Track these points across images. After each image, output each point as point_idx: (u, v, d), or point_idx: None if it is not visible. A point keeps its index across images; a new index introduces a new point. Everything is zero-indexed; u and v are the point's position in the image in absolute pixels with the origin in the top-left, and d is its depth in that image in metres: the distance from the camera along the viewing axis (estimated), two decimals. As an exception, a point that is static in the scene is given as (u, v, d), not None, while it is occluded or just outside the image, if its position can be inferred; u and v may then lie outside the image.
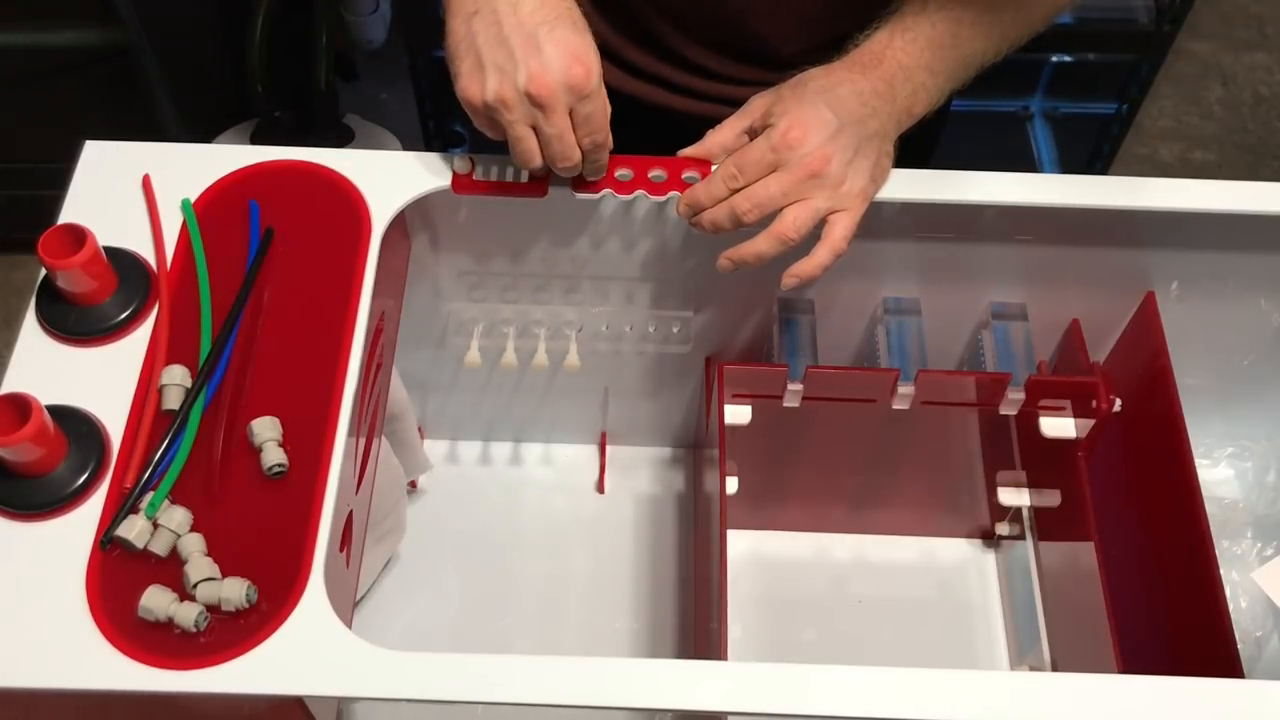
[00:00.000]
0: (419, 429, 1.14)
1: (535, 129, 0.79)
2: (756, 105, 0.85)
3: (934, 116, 0.87)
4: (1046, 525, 1.05)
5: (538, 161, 0.80)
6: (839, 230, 0.82)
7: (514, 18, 0.77)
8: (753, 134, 0.84)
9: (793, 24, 0.94)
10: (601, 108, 0.80)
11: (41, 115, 1.63)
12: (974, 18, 0.83)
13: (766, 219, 0.81)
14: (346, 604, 0.80)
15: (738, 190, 0.81)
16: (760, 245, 0.82)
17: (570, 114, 0.78)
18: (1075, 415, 0.97)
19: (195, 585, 0.69)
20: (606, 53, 1.00)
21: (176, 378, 0.76)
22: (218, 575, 0.70)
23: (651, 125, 0.97)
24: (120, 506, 0.72)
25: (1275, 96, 2.18)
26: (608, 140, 0.82)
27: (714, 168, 0.85)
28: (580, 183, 0.88)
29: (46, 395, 0.74)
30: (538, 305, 1.00)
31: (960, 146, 1.12)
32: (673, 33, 0.97)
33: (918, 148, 0.88)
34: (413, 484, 1.14)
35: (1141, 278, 0.98)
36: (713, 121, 0.87)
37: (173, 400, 0.76)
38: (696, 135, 0.87)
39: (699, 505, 1.14)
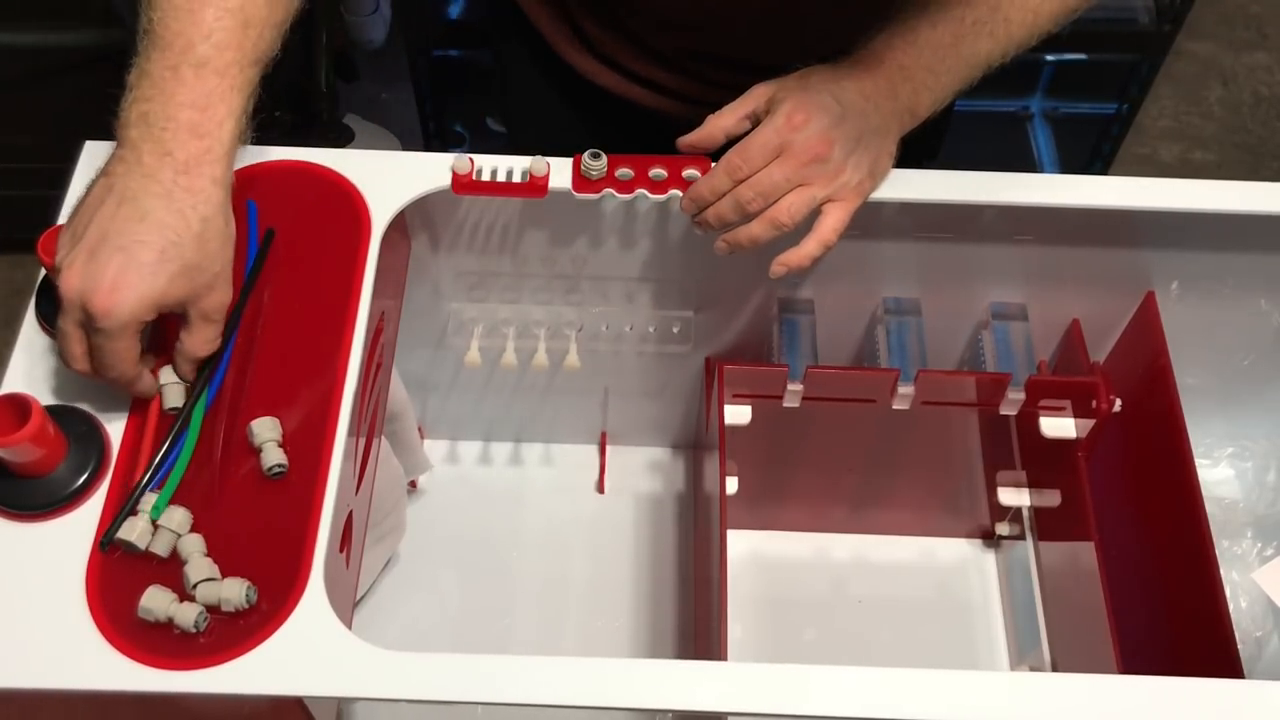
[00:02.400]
0: (419, 429, 1.14)
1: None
2: (759, 92, 0.85)
3: (937, 118, 0.87)
4: (1046, 525, 1.05)
5: (74, 363, 0.72)
6: (830, 222, 0.82)
7: (115, 211, 0.71)
8: (754, 120, 0.84)
9: (779, 36, 0.94)
10: (115, 350, 0.71)
11: (41, 115, 1.63)
12: (977, 17, 0.83)
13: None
14: (346, 604, 0.80)
15: (741, 181, 0.81)
16: (755, 229, 0.82)
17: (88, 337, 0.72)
18: (1075, 415, 0.97)
19: (195, 585, 0.69)
20: (601, 56, 1.01)
21: (176, 377, 0.76)
22: (218, 575, 0.70)
23: (647, 129, 0.97)
24: (121, 507, 0.72)
25: (1275, 96, 2.18)
26: (122, 379, 0.73)
27: (713, 164, 0.85)
28: (580, 183, 0.88)
29: (46, 395, 0.74)
30: (538, 305, 1.00)
31: (960, 146, 1.12)
32: (666, 40, 0.97)
33: (922, 149, 0.88)
34: (413, 484, 1.14)
35: (1141, 278, 0.98)
36: None
37: (174, 398, 0.76)
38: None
39: (699, 505, 1.14)
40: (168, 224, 0.71)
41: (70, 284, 0.70)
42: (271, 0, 0.76)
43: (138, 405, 0.76)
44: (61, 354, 0.73)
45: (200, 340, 0.75)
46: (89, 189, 0.73)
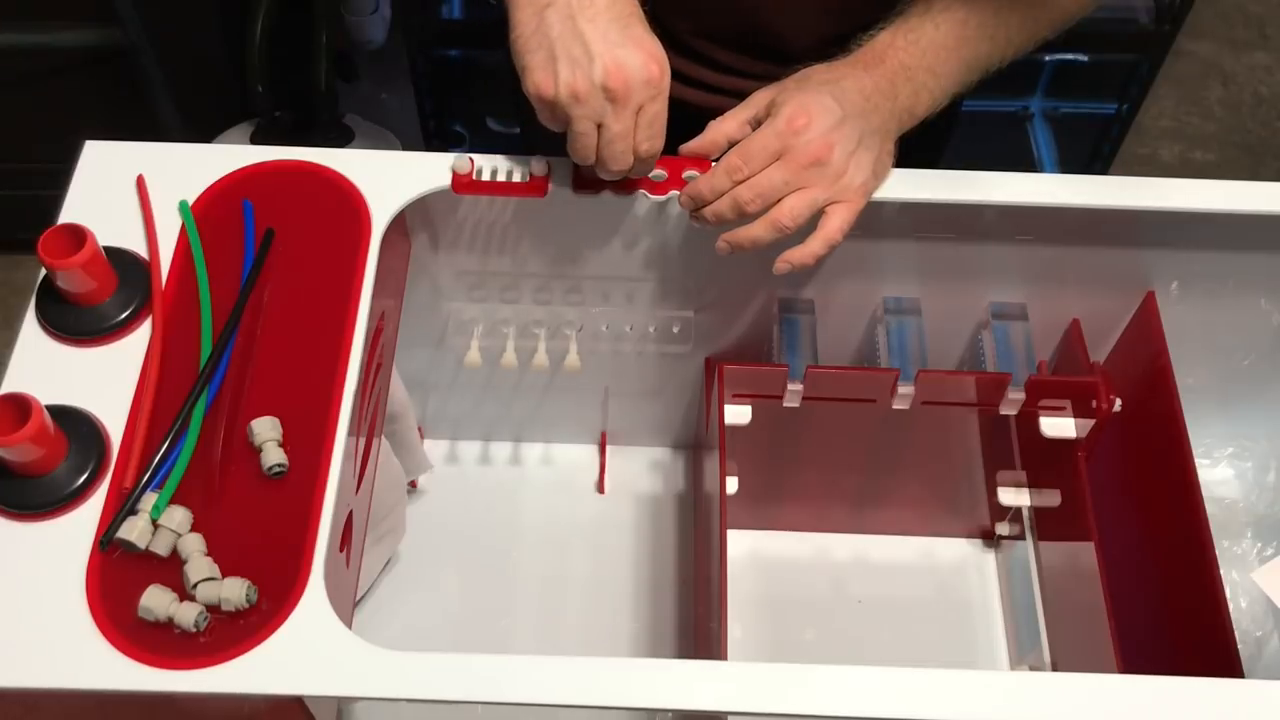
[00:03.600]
0: (419, 429, 1.14)
1: (599, 126, 0.79)
2: (760, 98, 0.85)
3: (942, 119, 0.87)
4: (1046, 525, 1.05)
5: (591, 156, 0.80)
6: (835, 222, 0.82)
7: (589, 11, 0.77)
8: (756, 125, 0.84)
9: (806, 18, 0.93)
10: (665, 111, 0.80)
11: (41, 115, 1.63)
12: (979, 20, 0.83)
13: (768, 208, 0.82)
14: (346, 604, 0.80)
15: (740, 182, 0.81)
16: (756, 231, 0.82)
17: (636, 114, 0.79)
18: (1075, 415, 0.97)
19: (195, 585, 0.69)
20: None
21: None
22: (218, 575, 0.70)
23: (679, 125, 0.97)
24: (120, 507, 0.72)
25: (1275, 96, 2.18)
26: (662, 144, 0.82)
27: (714, 162, 0.85)
28: (580, 183, 0.88)
29: (46, 395, 0.74)
30: (538, 305, 1.00)
31: (960, 146, 1.12)
32: (686, 26, 0.97)
33: (925, 149, 0.88)
34: (413, 484, 1.14)
35: (1141, 278, 0.98)
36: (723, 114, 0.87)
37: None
38: (704, 128, 0.87)
39: (699, 505, 1.14)
40: (626, 3, 0.79)
41: (621, 80, 0.76)
42: None
43: (137, 405, 0.76)
44: (578, 152, 0.80)
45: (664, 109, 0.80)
46: (526, 29, 0.78)
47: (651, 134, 0.80)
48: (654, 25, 0.98)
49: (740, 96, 0.87)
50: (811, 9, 0.93)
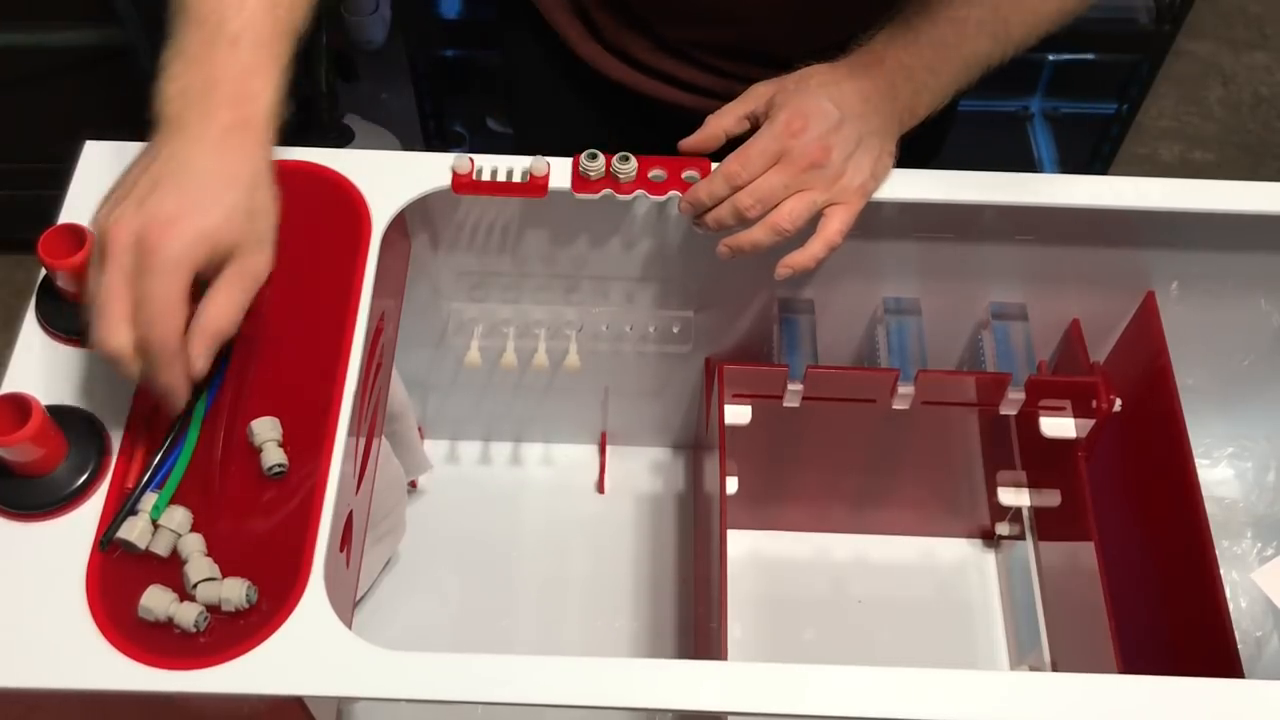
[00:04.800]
0: (419, 429, 1.14)
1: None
2: (759, 92, 0.85)
3: (939, 117, 0.87)
4: (1046, 525, 1.05)
5: (112, 331, 0.67)
6: (834, 224, 0.82)
7: (166, 164, 0.70)
8: (754, 120, 0.84)
9: (794, 28, 0.94)
10: (163, 294, 0.66)
11: (41, 115, 1.63)
12: (978, 18, 0.83)
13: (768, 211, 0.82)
14: (346, 604, 0.80)
15: (739, 188, 0.81)
16: (756, 234, 0.82)
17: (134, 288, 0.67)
18: (1075, 415, 0.97)
19: (195, 585, 0.69)
20: (614, 50, 1.01)
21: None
22: (218, 575, 0.70)
23: (659, 123, 0.97)
24: (120, 507, 0.72)
25: (1275, 96, 2.18)
26: (162, 345, 0.67)
27: (714, 166, 0.85)
28: (580, 183, 0.88)
29: (46, 395, 0.74)
30: (538, 305, 1.00)
31: (960, 146, 1.12)
32: (681, 33, 0.97)
33: (922, 148, 0.88)
34: (413, 484, 1.14)
35: (1141, 278, 0.98)
36: None
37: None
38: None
39: (699, 505, 1.14)
40: (222, 172, 0.70)
41: (122, 229, 0.67)
42: None
43: (138, 405, 0.76)
44: (97, 324, 0.67)
45: (228, 306, 0.69)
46: (131, 165, 0.72)
47: (143, 316, 0.67)
48: (645, 32, 0.98)
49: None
50: (798, 21, 0.93)
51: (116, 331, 0.67)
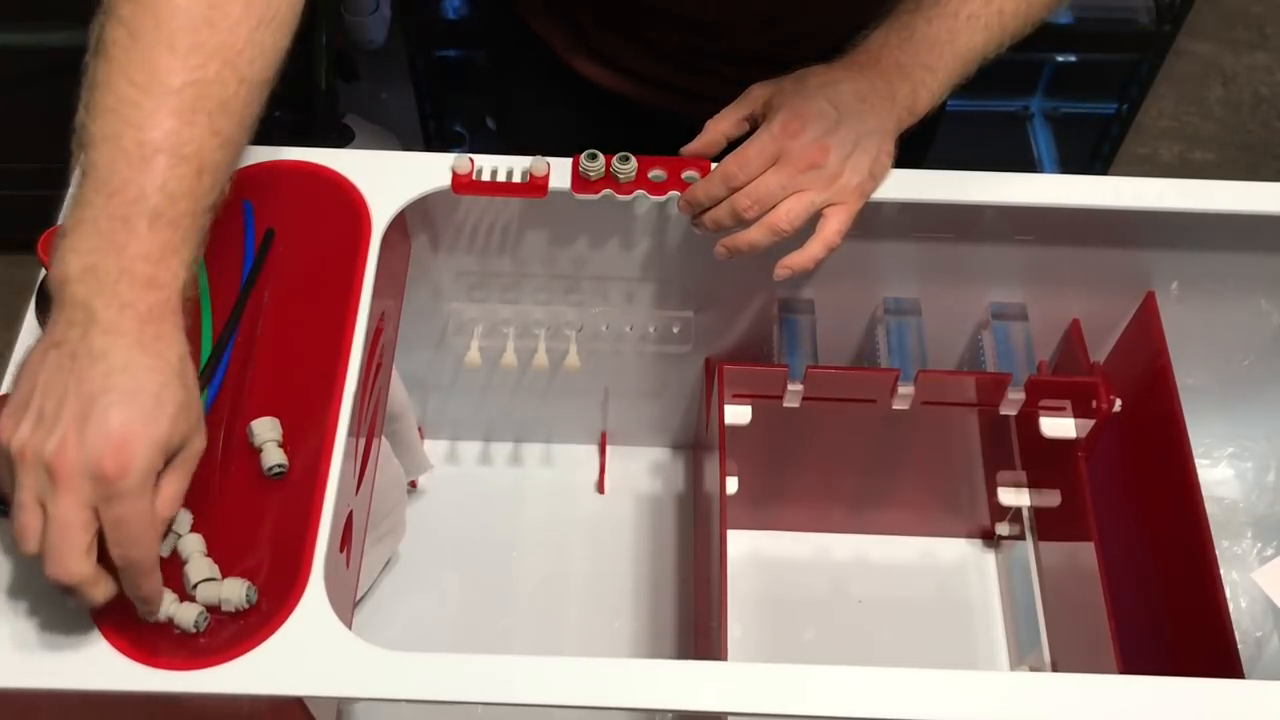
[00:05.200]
0: (419, 429, 1.14)
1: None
2: (756, 94, 0.85)
3: (932, 114, 0.87)
4: (1046, 525, 1.05)
5: (31, 546, 0.63)
6: (833, 224, 0.82)
7: (87, 372, 0.63)
8: (752, 122, 0.84)
9: (782, 34, 0.94)
10: (138, 515, 0.63)
11: (41, 115, 1.62)
12: (970, 12, 0.83)
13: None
14: (346, 604, 0.80)
15: (737, 189, 0.81)
16: (754, 235, 0.82)
17: (95, 511, 0.63)
18: (1075, 415, 0.97)
19: (195, 585, 0.69)
20: (600, 55, 1.01)
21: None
22: (218, 575, 0.70)
23: (646, 126, 0.97)
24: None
25: (1275, 96, 2.18)
26: (145, 561, 0.64)
27: (714, 166, 0.85)
28: (580, 183, 0.88)
29: (46, 395, 0.74)
30: (538, 305, 1.00)
31: (960, 146, 1.12)
32: (669, 38, 0.97)
33: (913, 146, 0.88)
34: (413, 484, 1.14)
35: (1141, 278, 0.98)
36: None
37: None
38: (695, 137, 0.87)
39: (699, 505, 1.14)
40: (152, 367, 0.64)
41: (66, 461, 0.61)
42: (225, 144, 0.69)
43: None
44: (15, 531, 0.63)
45: (178, 493, 0.66)
46: (31, 361, 0.65)
47: (118, 539, 0.63)
48: (638, 42, 0.98)
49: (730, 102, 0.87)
50: (789, 30, 0.93)
51: (80, 563, 0.63)
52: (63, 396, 0.63)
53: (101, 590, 0.64)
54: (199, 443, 0.68)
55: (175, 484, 0.66)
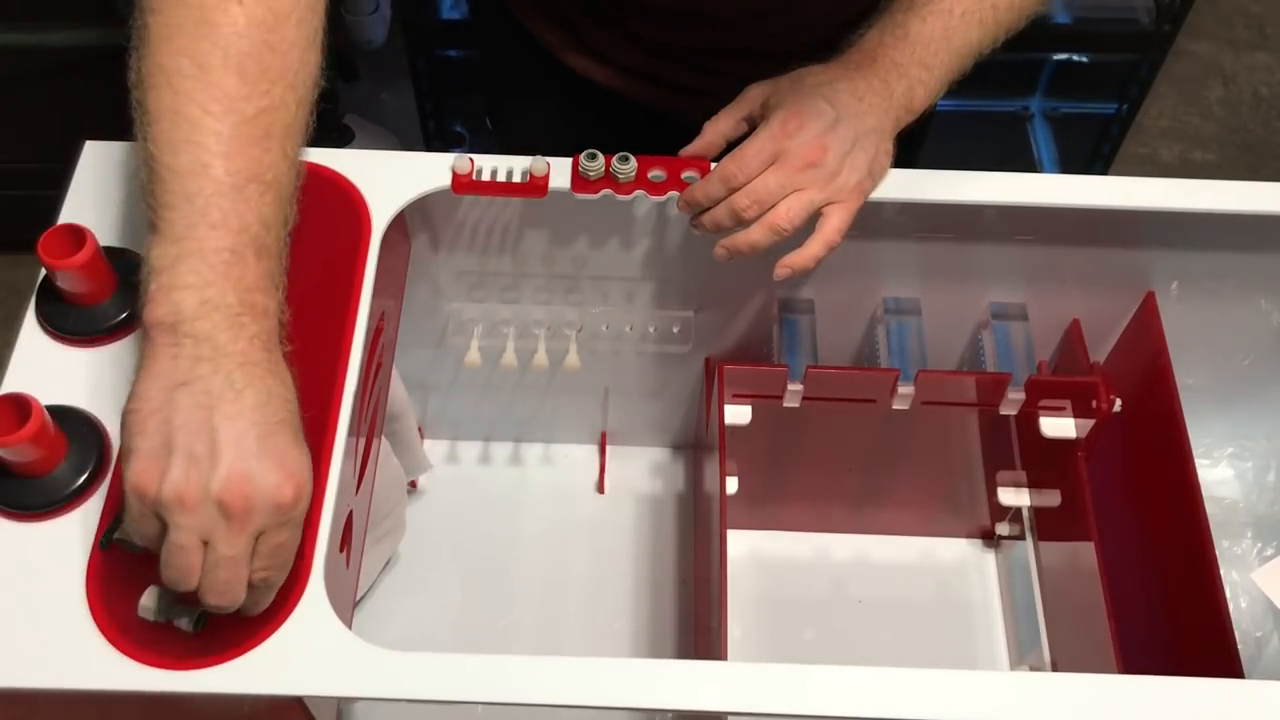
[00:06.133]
0: (419, 429, 1.14)
1: (206, 544, 0.64)
2: (754, 94, 0.85)
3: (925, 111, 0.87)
4: (1046, 525, 1.05)
5: (192, 583, 0.64)
6: (832, 223, 0.82)
7: (232, 407, 0.63)
8: (751, 122, 0.84)
9: (776, 29, 0.94)
10: (294, 542, 0.67)
11: (41, 115, 1.63)
12: (964, 8, 0.84)
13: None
14: (346, 604, 0.80)
15: (735, 189, 0.81)
16: (754, 235, 0.82)
17: (257, 541, 0.65)
18: (1075, 415, 0.97)
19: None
20: (593, 51, 1.01)
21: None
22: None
23: (643, 124, 0.97)
24: (121, 507, 0.72)
25: (1275, 96, 2.18)
26: (283, 578, 0.68)
27: (713, 166, 0.85)
28: (579, 183, 0.88)
29: (46, 395, 0.74)
30: (538, 305, 1.00)
31: (960, 146, 1.12)
32: (661, 34, 0.97)
33: (907, 143, 0.88)
34: (413, 484, 1.14)
35: (1141, 278, 0.98)
36: (709, 116, 0.87)
37: None
38: (692, 135, 0.87)
39: (699, 505, 1.14)
40: (285, 396, 0.66)
41: (242, 496, 0.62)
42: (293, 167, 0.70)
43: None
44: (171, 571, 0.64)
45: (294, 539, 0.67)
46: (147, 406, 0.64)
47: (271, 564, 0.66)
48: (632, 38, 0.98)
49: (728, 99, 0.87)
50: (786, 21, 0.93)
51: (244, 592, 0.65)
52: (212, 434, 0.63)
53: (247, 606, 0.67)
54: None
55: (294, 532, 0.68)
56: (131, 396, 0.65)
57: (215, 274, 0.65)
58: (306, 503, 0.66)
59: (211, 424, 0.63)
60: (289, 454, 0.65)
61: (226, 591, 0.64)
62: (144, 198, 0.68)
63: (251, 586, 0.66)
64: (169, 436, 0.63)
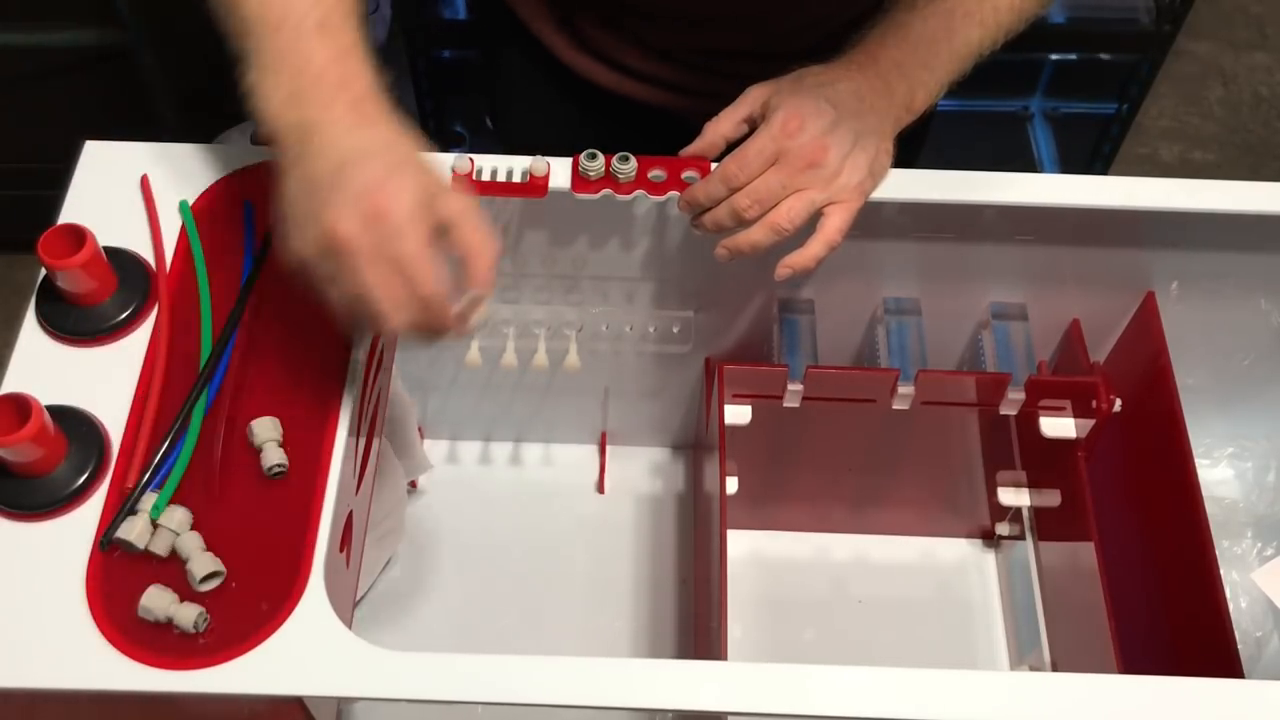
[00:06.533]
0: (419, 429, 1.14)
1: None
2: (754, 95, 0.85)
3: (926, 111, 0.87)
4: (1046, 525, 1.05)
5: (403, 308, 0.68)
6: (833, 223, 0.82)
7: (323, 165, 0.68)
8: (751, 123, 0.84)
9: (778, 30, 0.94)
10: (416, 256, 0.67)
11: (41, 115, 1.63)
12: (965, 9, 0.84)
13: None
14: (346, 604, 0.80)
15: (736, 189, 0.81)
16: (755, 235, 0.82)
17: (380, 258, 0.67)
18: (1075, 415, 0.97)
19: (201, 580, 0.69)
20: (595, 53, 1.01)
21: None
22: (221, 569, 0.70)
23: (643, 124, 0.97)
24: (120, 507, 0.72)
25: (1275, 96, 2.18)
26: (442, 294, 0.68)
27: (713, 166, 0.85)
28: (580, 183, 0.88)
29: (46, 395, 0.74)
30: (538, 305, 1.00)
31: (960, 146, 1.12)
32: (662, 36, 0.97)
33: (908, 143, 0.88)
34: (413, 484, 1.14)
35: (1141, 278, 0.98)
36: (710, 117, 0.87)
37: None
38: (692, 135, 0.87)
39: (699, 505, 1.14)
40: (373, 136, 0.70)
41: (341, 223, 0.65)
42: None
43: (138, 405, 0.76)
44: (421, 286, 0.67)
45: (484, 235, 0.70)
46: (280, 188, 0.69)
47: (410, 281, 0.67)
48: (633, 39, 0.98)
49: (729, 99, 0.87)
50: (788, 21, 0.93)
51: (435, 280, 0.67)
52: (312, 193, 0.67)
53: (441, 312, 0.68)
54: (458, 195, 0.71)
55: (480, 229, 0.70)
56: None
57: (289, 69, 0.71)
58: (401, 214, 0.67)
59: (322, 176, 0.68)
60: (373, 173, 0.68)
61: (422, 280, 0.67)
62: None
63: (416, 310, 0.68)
64: (306, 201, 0.68)
